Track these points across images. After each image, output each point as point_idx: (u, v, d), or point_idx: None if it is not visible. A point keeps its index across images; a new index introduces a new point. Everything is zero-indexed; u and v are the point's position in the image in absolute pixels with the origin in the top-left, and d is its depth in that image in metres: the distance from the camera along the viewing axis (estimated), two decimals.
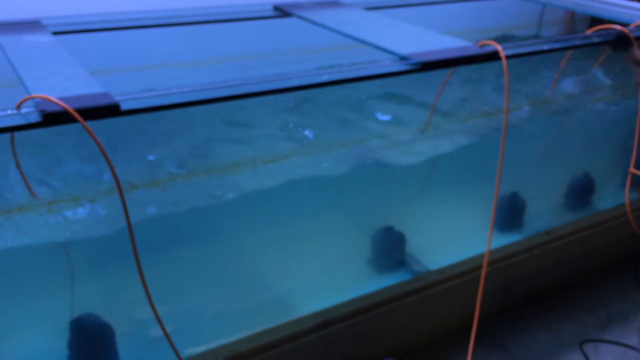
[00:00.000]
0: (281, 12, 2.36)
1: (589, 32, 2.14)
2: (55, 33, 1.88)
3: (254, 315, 1.84)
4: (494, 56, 1.87)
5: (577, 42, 2.14)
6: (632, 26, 2.13)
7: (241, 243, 1.92)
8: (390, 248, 2.11)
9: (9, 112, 1.28)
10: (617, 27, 2.03)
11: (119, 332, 1.60)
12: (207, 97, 1.47)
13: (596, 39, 2.14)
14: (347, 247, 2.08)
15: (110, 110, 1.33)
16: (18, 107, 1.29)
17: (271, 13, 2.37)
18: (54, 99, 1.27)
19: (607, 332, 2.20)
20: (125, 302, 1.61)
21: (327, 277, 1.97)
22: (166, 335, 1.46)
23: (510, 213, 2.43)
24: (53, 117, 1.26)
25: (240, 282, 1.92)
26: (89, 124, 1.27)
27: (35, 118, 1.26)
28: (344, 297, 1.89)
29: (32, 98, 1.30)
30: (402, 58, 1.81)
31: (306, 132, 2.02)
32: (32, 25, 1.93)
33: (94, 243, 1.53)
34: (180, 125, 1.88)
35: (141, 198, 1.62)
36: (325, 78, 1.71)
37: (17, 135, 1.46)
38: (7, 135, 1.46)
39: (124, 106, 1.35)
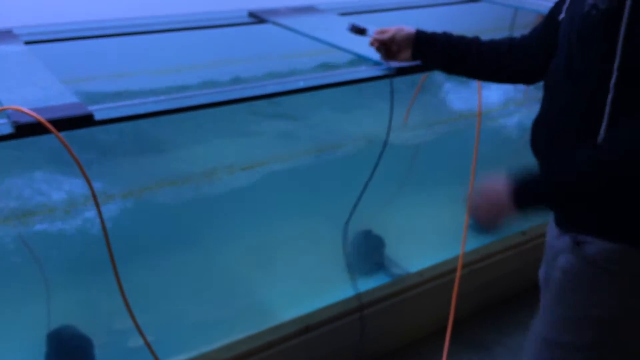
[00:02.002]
0: (256, 18, 2.36)
1: None
2: (28, 42, 1.85)
3: (235, 322, 1.84)
4: None
5: None
6: None
7: (220, 250, 1.91)
8: (369, 251, 2.12)
9: None
10: None
11: (98, 344, 1.59)
12: (181, 105, 1.46)
13: None
14: (327, 251, 2.09)
15: (84, 121, 1.32)
16: None
17: (246, 19, 2.37)
18: (26, 110, 1.25)
19: None
20: (104, 313, 1.60)
21: (307, 282, 1.97)
22: (147, 343, 1.45)
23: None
24: (26, 129, 1.24)
25: (221, 289, 1.92)
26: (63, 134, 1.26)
27: (7, 130, 1.25)
28: (324, 302, 1.90)
29: (4, 109, 1.28)
30: (377, 63, 1.82)
31: (280, 137, 2.02)
32: (3, 35, 1.90)
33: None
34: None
35: (116, 207, 1.61)
36: (301, 84, 1.72)
37: None
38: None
39: (98, 116, 1.34)
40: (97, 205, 1.28)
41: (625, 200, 1.09)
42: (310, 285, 1.96)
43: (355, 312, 1.93)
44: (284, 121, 2.14)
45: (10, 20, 2.06)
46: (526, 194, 1.13)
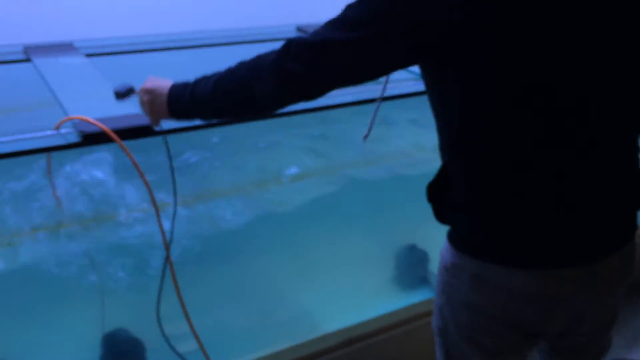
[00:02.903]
0: (304, 33, 2.41)
1: None
2: (88, 55, 1.94)
3: (280, 332, 1.86)
4: None
5: None
6: None
7: (267, 261, 1.94)
8: (413, 266, 2.12)
9: (49, 132, 1.33)
10: None
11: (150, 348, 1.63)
12: None
13: None
14: (371, 265, 2.10)
15: (145, 131, 1.38)
16: (57, 128, 1.34)
17: (294, 34, 2.42)
18: (91, 120, 1.32)
19: (634, 351, 2.19)
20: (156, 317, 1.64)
21: (352, 295, 1.98)
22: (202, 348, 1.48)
23: None
24: (91, 138, 1.31)
25: (266, 299, 1.94)
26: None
27: (74, 138, 1.31)
28: (368, 315, 1.90)
29: (71, 119, 1.35)
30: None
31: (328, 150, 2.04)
32: (65, 48, 1.99)
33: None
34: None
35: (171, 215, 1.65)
36: (350, 99, 1.74)
37: None
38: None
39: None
40: (157, 211, 1.33)
41: (451, 210, 1.09)
42: (355, 297, 1.97)
43: (398, 326, 1.93)
44: (330, 134, 2.16)
45: (71, 33, 2.15)
46: (177, 95, 1.13)
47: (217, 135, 1.84)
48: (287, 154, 1.98)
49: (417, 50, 0.94)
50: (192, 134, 1.54)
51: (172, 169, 1.39)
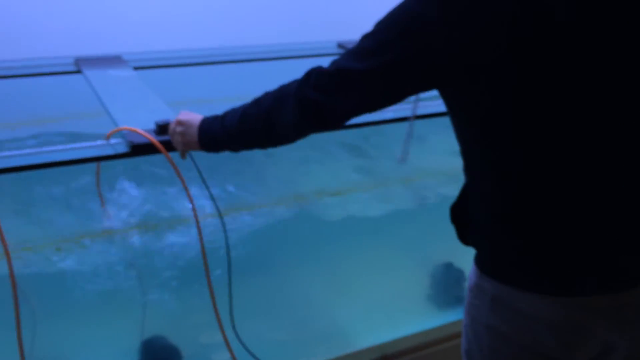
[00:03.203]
0: (345, 49, 2.43)
1: None
2: (136, 68, 2.00)
3: (314, 346, 1.86)
4: None
5: None
6: None
7: (301, 275, 1.95)
8: (449, 284, 2.11)
9: (99, 142, 1.38)
10: None
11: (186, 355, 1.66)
12: None
13: None
14: (407, 282, 2.09)
15: None
16: (108, 138, 1.39)
17: (335, 50, 2.45)
18: (140, 131, 1.36)
19: None
20: (193, 325, 1.67)
21: (386, 312, 1.97)
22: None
23: None
24: (139, 148, 1.34)
25: (300, 313, 1.95)
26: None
27: (123, 149, 1.35)
28: (403, 332, 1.90)
29: (121, 130, 1.39)
30: None
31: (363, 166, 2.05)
32: (114, 61, 2.06)
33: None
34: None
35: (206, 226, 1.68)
36: (391, 115, 1.75)
37: None
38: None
39: None
40: (197, 221, 1.36)
41: (472, 232, 1.08)
42: (390, 314, 1.96)
43: (432, 345, 1.91)
44: (365, 151, 2.17)
45: (119, 46, 2.22)
46: (207, 126, 1.19)
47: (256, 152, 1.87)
48: (327, 168, 2.00)
49: (430, 75, 0.96)
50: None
51: (204, 181, 1.42)
